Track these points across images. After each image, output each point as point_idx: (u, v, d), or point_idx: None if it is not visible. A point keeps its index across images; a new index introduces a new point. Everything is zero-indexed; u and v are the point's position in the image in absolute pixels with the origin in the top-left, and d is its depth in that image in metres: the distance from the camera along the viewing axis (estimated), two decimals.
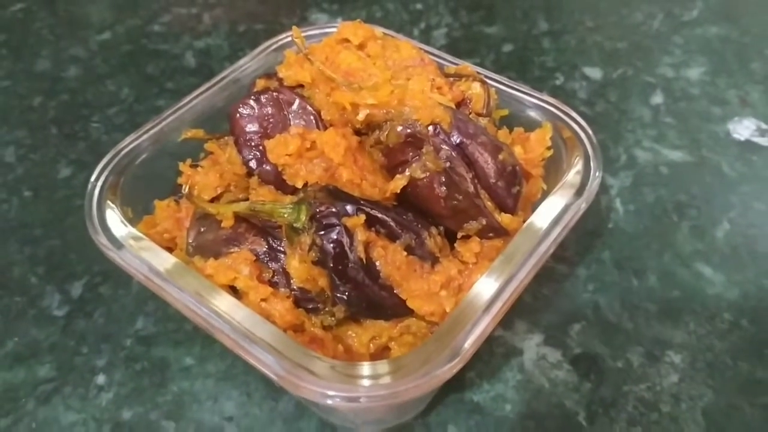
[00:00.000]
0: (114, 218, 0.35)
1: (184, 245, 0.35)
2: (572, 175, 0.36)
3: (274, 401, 0.39)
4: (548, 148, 0.39)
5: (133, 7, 0.75)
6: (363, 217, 0.31)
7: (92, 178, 0.36)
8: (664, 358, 0.41)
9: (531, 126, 0.40)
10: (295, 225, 0.31)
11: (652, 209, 0.50)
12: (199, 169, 0.39)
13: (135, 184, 0.38)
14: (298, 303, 0.33)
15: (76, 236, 0.49)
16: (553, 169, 0.39)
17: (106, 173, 0.37)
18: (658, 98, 0.60)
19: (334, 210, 0.31)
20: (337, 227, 0.30)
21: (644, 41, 0.67)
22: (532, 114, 0.41)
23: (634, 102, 0.60)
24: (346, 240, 0.30)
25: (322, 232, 0.31)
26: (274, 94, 0.37)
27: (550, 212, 0.34)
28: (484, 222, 0.34)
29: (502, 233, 0.34)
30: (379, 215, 0.32)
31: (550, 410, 0.38)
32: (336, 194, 0.32)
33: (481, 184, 0.34)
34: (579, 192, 0.35)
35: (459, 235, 0.34)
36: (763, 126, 0.56)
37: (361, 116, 0.35)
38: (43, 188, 0.53)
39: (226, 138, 0.40)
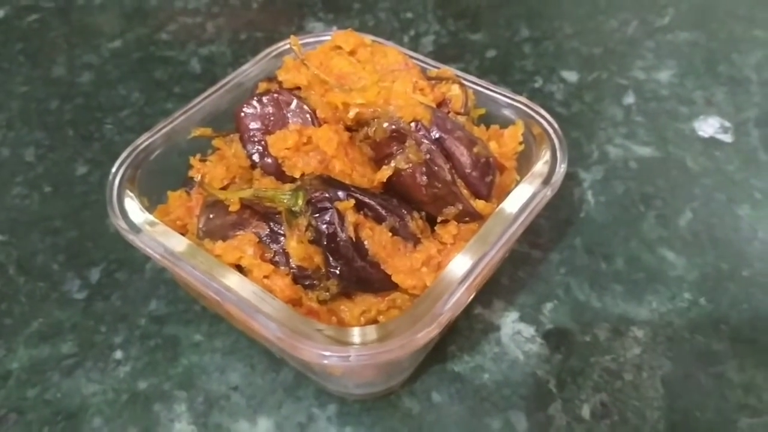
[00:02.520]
0: (132, 206, 0.38)
1: (195, 230, 0.38)
2: (540, 165, 0.39)
3: (275, 372, 0.42)
4: (520, 143, 0.42)
5: (141, 17, 0.78)
6: (353, 201, 0.34)
7: (113, 170, 0.39)
8: (628, 333, 0.44)
9: (505, 123, 0.43)
10: (293, 209, 0.34)
11: (621, 200, 0.53)
12: (207, 163, 0.41)
13: (150, 177, 0.41)
14: (296, 280, 0.35)
15: (93, 227, 0.52)
16: (525, 162, 0.42)
17: (124, 167, 0.40)
18: (629, 99, 0.63)
19: (327, 195, 0.33)
20: (330, 210, 0.33)
21: (618, 46, 0.70)
22: (507, 113, 0.44)
23: (608, 103, 0.63)
24: (338, 221, 0.33)
25: (317, 215, 0.33)
26: (275, 95, 0.41)
27: (519, 199, 0.37)
28: (460, 207, 0.36)
29: (477, 217, 0.37)
30: (367, 200, 0.34)
31: (524, 379, 0.42)
32: (329, 182, 0.35)
33: (458, 174, 0.36)
34: (546, 181, 0.38)
35: (438, 219, 0.37)
36: (726, 124, 0.60)
37: (351, 114, 0.37)
38: (61, 184, 0.56)
39: (231, 135, 0.42)
